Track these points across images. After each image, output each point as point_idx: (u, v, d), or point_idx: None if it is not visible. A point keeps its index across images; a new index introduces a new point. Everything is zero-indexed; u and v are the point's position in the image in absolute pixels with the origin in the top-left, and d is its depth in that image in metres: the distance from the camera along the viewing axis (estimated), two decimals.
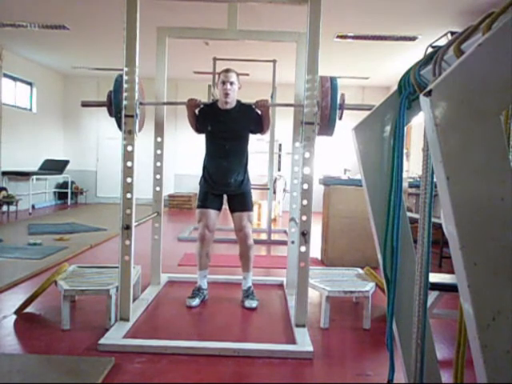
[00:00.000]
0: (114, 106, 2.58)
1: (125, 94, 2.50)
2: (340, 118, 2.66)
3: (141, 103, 2.75)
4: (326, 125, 2.62)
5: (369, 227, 1.42)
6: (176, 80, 9.13)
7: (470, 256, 0.83)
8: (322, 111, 2.58)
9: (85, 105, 2.86)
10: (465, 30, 0.99)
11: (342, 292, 2.73)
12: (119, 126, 2.57)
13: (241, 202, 3.12)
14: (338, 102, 2.60)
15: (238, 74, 3.06)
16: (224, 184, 3.08)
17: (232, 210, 3.14)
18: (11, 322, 2.62)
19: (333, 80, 2.62)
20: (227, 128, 3.03)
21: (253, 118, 3.08)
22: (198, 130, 3.15)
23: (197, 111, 3.10)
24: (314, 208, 2.53)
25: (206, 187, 3.12)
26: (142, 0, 2.49)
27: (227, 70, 3.03)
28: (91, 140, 9.86)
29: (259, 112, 3.07)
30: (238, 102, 3.09)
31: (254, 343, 2.36)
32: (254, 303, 2.99)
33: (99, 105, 2.74)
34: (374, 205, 1.37)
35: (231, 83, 2.98)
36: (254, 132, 3.14)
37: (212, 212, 3.09)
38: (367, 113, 1.37)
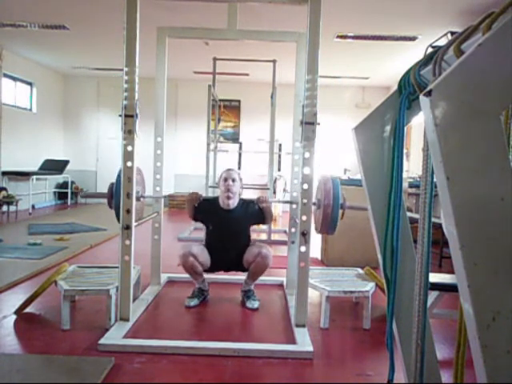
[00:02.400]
0: (115, 200, 2.58)
1: (125, 94, 2.49)
2: (341, 218, 2.71)
3: (142, 196, 2.83)
4: (328, 223, 2.67)
5: (369, 227, 1.42)
6: (176, 80, 9.13)
7: (470, 256, 0.83)
8: (324, 210, 2.64)
9: (86, 196, 2.88)
10: (465, 30, 0.99)
11: (342, 292, 2.73)
12: (118, 219, 2.54)
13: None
14: (340, 201, 2.64)
15: (239, 174, 3.11)
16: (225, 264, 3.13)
17: (238, 265, 3.08)
18: (11, 322, 2.62)
19: (334, 180, 2.70)
20: (229, 229, 3.04)
21: (255, 214, 3.11)
22: (196, 220, 3.19)
23: (196, 204, 3.09)
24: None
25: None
26: (142, 0, 2.49)
27: (229, 169, 3.12)
28: (91, 140, 9.85)
29: (261, 207, 3.08)
30: (240, 200, 3.11)
31: (254, 343, 2.36)
32: (256, 303, 3.00)
33: (100, 196, 2.74)
34: (374, 205, 1.37)
35: (233, 180, 3.03)
36: (256, 224, 3.23)
37: (203, 249, 3.04)
38: (367, 114, 1.37)
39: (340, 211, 2.67)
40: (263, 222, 3.22)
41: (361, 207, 2.66)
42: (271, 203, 3.11)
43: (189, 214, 3.15)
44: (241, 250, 3.04)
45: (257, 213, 3.10)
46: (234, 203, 3.05)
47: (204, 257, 3.01)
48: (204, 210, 3.09)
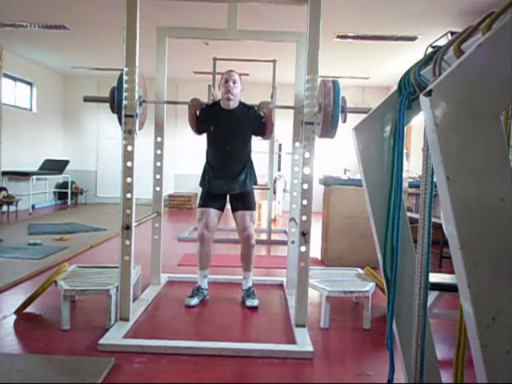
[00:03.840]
0: (117, 102, 2.58)
1: (125, 94, 2.50)
2: (344, 121, 2.63)
3: (144, 101, 2.79)
4: (329, 124, 2.57)
5: (369, 227, 1.42)
6: (176, 80, 9.13)
7: (470, 256, 0.83)
8: (325, 109, 2.54)
9: (87, 100, 2.86)
10: (465, 30, 0.99)
11: (342, 292, 2.73)
12: (120, 121, 2.56)
13: (243, 201, 3.11)
14: (340, 103, 2.58)
15: (240, 76, 3.08)
16: (226, 183, 3.06)
17: (234, 210, 3.14)
18: (11, 322, 2.62)
19: (335, 81, 2.64)
20: (230, 128, 3.03)
21: (255, 119, 3.09)
22: (199, 131, 3.14)
23: (198, 112, 3.10)
24: (313, 208, 2.53)
25: (208, 187, 3.11)
26: (142, 0, 2.49)
27: (230, 70, 3.08)
28: (91, 140, 9.85)
29: (262, 114, 3.08)
30: (241, 102, 3.10)
31: (254, 343, 2.36)
32: (255, 302, 3.00)
33: (102, 100, 2.75)
34: (374, 205, 1.37)
35: (234, 81, 3.02)
36: (257, 134, 3.15)
37: (213, 211, 3.08)
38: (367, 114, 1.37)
39: (341, 115, 2.60)
40: (264, 131, 3.12)
41: (359, 111, 2.68)
42: (273, 109, 3.09)
43: (191, 124, 3.11)
44: (242, 162, 3.09)
45: (258, 118, 3.08)
46: (234, 104, 3.05)
47: (217, 220, 3.13)
48: (205, 114, 3.10)
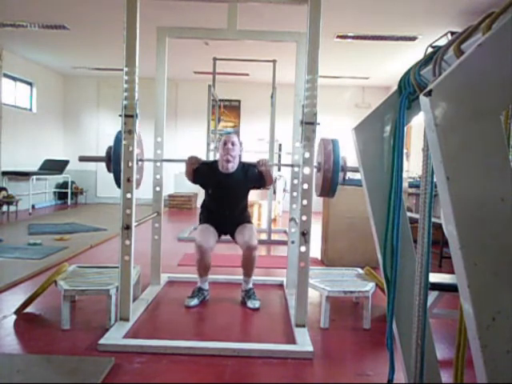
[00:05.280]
0: (113, 162, 2.59)
1: (125, 94, 2.49)
2: (344, 181, 2.72)
3: (140, 159, 2.82)
4: (328, 187, 2.67)
5: (369, 227, 1.42)
6: (176, 80, 9.13)
7: (470, 256, 0.83)
8: (325, 174, 2.63)
9: (82, 160, 2.87)
10: (465, 29, 0.99)
11: (342, 292, 2.73)
12: (117, 182, 2.55)
13: (240, 220, 3.16)
14: (341, 163, 2.63)
15: (240, 140, 3.13)
16: (223, 227, 3.17)
17: (232, 232, 3.15)
18: (11, 322, 2.62)
19: (334, 142, 2.68)
20: (229, 192, 3.07)
21: (254, 177, 3.12)
22: (195, 183, 3.22)
23: (195, 167, 3.13)
24: (313, 208, 2.53)
25: (207, 221, 3.18)
26: (142, 0, 2.49)
27: (229, 134, 3.17)
28: (91, 140, 9.85)
29: (261, 170, 3.09)
30: (240, 163, 3.12)
31: (254, 343, 2.36)
32: (257, 303, 3.00)
33: (98, 160, 2.74)
34: (374, 205, 1.37)
35: (233, 143, 3.04)
36: (257, 188, 3.25)
37: (213, 230, 3.10)
38: (367, 114, 1.37)
39: (341, 174, 2.65)
40: (263, 186, 3.20)
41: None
42: (271, 166, 3.11)
43: (188, 177, 3.18)
44: (238, 212, 3.11)
45: (256, 176, 3.11)
46: (233, 167, 3.06)
47: (215, 240, 3.08)
48: (203, 173, 3.12)
